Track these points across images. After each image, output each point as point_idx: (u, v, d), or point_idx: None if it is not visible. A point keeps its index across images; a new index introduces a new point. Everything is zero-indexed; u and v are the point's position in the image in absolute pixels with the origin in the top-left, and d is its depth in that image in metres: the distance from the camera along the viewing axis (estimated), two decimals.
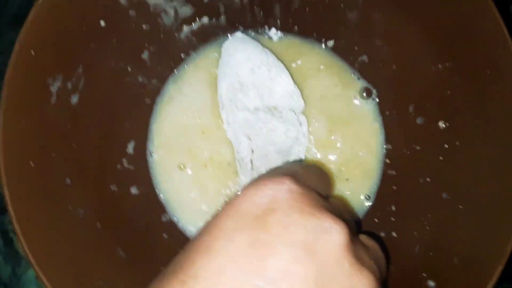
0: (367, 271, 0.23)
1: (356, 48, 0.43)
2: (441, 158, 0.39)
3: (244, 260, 0.21)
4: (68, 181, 0.34)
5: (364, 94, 0.44)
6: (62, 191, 0.33)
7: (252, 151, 0.40)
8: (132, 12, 0.38)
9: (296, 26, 0.44)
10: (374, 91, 0.44)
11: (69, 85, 0.35)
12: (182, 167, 0.42)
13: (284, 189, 0.24)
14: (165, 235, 0.40)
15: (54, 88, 0.34)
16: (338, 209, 0.28)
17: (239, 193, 0.25)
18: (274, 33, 0.44)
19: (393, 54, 0.41)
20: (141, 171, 0.41)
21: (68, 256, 0.31)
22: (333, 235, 0.23)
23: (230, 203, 0.25)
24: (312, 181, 0.28)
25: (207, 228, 0.24)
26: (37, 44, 0.31)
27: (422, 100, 0.40)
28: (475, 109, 0.36)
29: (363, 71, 0.44)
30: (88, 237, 0.34)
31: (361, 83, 0.44)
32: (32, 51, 0.31)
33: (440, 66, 0.38)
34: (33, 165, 0.31)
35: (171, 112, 0.43)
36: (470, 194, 0.36)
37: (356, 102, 0.44)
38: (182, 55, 0.43)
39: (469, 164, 0.36)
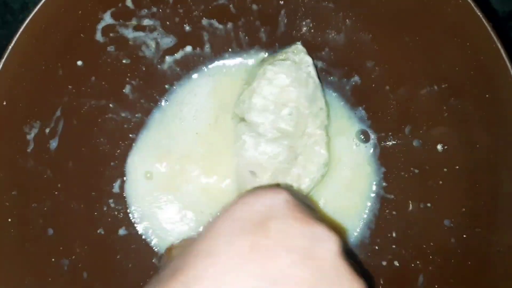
0: (360, 277, 0.24)
1: (346, 69, 0.42)
2: (441, 182, 0.37)
3: (246, 262, 0.22)
4: (50, 231, 0.33)
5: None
6: (43, 243, 0.32)
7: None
8: (110, 48, 0.37)
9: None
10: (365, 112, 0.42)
11: (47, 130, 0.33)
12: (169, 202, 0.40)
13: (282, 198, 0.26)
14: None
15: (31, 136, 0.32)
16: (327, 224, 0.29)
17: (235, 201, 0.26)
18: (261, 57, 0.42)
19: (385, 75, 0.40)
20: (129, 209, 0.40)
21: None
22: (329, 243, 0.24)
23: (228, 210, 0.26)
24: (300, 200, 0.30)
25: (206, 234, 0.25)
26: (10, 93, 0.30)
27: (418, 122, 0.39)
28: (474, 133, 0.34)
29: (355, 93, 0.42)
30: None
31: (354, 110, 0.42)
32: (4, 102, 0.30)
33: (435, 87, 0.36)
34: (10, 220, 0.30)
35: (155, 144, 0.41)
36: (474, 222, 0.34)
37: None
38: (167, 86, 0.42)
39: (471, 189, 0.35)
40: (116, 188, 0.39)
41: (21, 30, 0.30)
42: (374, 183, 0.41)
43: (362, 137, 0.41)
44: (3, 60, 0.29)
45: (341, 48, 0.40)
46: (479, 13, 0.30)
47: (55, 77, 0.33)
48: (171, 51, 0.40)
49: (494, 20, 0.30)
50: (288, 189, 0.30)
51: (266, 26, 0.41)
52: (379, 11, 0.37)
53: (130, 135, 0.40)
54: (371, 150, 0.41)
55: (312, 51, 0.41)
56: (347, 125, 0.42)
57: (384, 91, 0.40)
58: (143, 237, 0.39)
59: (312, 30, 0.40)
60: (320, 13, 0.39)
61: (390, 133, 0.41)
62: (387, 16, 0.37)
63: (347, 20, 0.38)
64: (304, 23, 0.40)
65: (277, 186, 0.34)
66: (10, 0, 0.43)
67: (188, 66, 0.41)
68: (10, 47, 0.29)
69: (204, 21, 0.39)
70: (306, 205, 0.28)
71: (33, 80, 0.31)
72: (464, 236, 0.34)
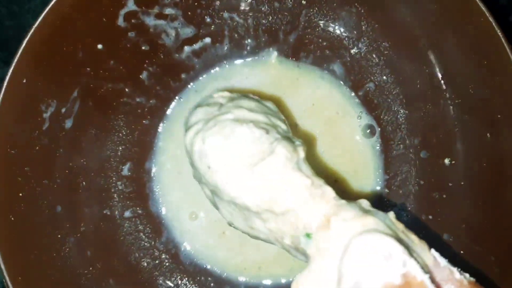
0: None
1: (360, 77, 0.42)
2: (444, 196, 0.38)
3: None
4: (58, 208, 0.34)
5: (368, 131, 0.42)
6: (51, 219, 0.33)
7: None
8: (131, 34, 0.37)
9: (301, 52, 0.42)
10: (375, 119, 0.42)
11: (63, 110, 0.34)
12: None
13: None
14: (157, 261, 0.39)
15: (47, 115, 0.33)
16: None
17: None
18: (275, 57, 0.43)
19: (400, 84, 0.40)
20: (136, 192, 0.40)
21: None
22: None
23: None
24: None
25: None
26: (30, 72, 0.31)
27: (429, 134, 0.39)
28: (483, 151, 0.34)
29: (368, 99, 0.42)
30: (77, 267, 0.33)
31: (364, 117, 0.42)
32: (24, 79, 0.30)
33: (449, 101, 0.36)
34: (21, 194, 0.31)
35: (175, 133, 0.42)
36: (473, 239, 0.34)
37: (357, 138, 0.42)
38: (183, 75, 0.42)
39: (474, 206, 0.35)
40: (125, 171, 0.40)
41: (45, 11, 0.30)
42: (378, 188, 0.42)
43: (368, 131, 0.41)
44: (26, 39, 0.30)
45: (358, 54, 0.40)
46: (500, 34, 0.30)
47: (75, 59, 0.34)
48: (190, 41, 0.40)
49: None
50: None
51: (286, 25, 0.41)
52: (400, 20, 0.36)
53: (144, 121, 0.41)
54: (378, 156, 0.42)
55: (327, 55, 0.41)
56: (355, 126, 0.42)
57: (398, 100, 0.40)
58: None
59: (328, 38, 0.40)
60: (341, 16, 0.39)
61: (399, 142, 0.41)
62: (407, 25, 0.37)
63: (366, 22, 0.38)
64: (323, 23, 0.40)
65: None
66: None
67: (206, 58, 0.42)
68: (34, 26, 0.30)
69: (226, 15, 0.40)
70: None
71: (54, 60, 0.32)
72: (462, 252, 0.35)
